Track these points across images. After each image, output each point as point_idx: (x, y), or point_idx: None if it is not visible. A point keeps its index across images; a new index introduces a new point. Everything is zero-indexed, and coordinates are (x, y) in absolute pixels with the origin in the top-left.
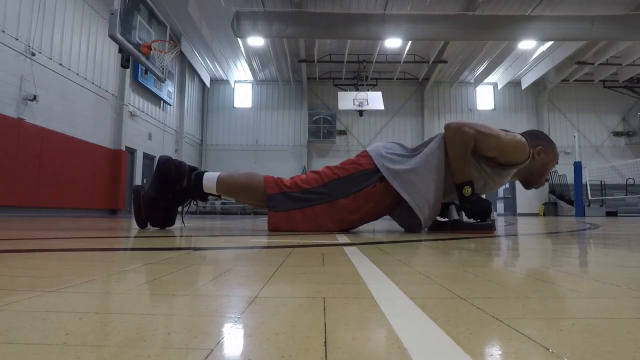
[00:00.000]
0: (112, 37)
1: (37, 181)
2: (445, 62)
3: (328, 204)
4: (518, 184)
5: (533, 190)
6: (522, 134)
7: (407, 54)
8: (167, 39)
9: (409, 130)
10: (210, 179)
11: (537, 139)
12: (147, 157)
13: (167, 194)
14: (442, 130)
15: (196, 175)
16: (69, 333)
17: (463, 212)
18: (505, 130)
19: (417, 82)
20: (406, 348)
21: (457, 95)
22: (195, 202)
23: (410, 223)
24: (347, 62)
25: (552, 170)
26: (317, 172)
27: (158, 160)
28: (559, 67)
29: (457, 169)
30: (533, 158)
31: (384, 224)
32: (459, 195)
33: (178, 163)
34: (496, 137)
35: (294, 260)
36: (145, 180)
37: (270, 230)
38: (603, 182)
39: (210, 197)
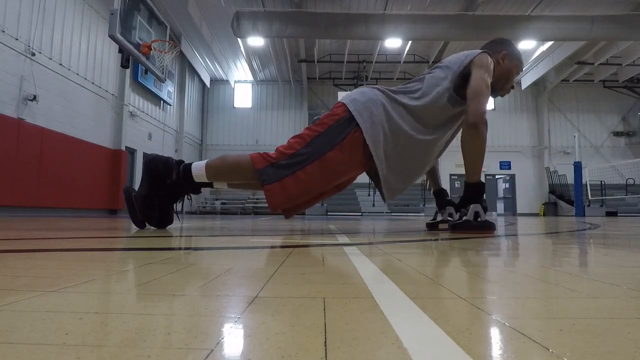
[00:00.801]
0: (112, 37)
1: (37, 181)
2: None
3: (317, 162)
4: (517, 182)
5: (533, 190)
6: (484, 48)
7: (407, 54)
8: (167, 39)
9: None
10: (198, 167)
11: (500, 45)
12: None
13: (159, 191)
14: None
15: (184, 165)
16: (69, 333)
17: (462, 212)
18: (471, 54)
19: None
20: (406, 348)
21: None
22: (189, 197)
23: (378, 183)
24: (347, 62)
25: (517, 82)
26: (298, 135)
27: (145, 159)
28: (559, 67)
29: (473, 167)
30: (497, 63)
31: (384, 224)
32: (466, 193)
33: (165, 158)
34: (487, 84)
35: (294, 260)
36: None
37: (271, 207)
38: (603, 182)
39: (203, 188)
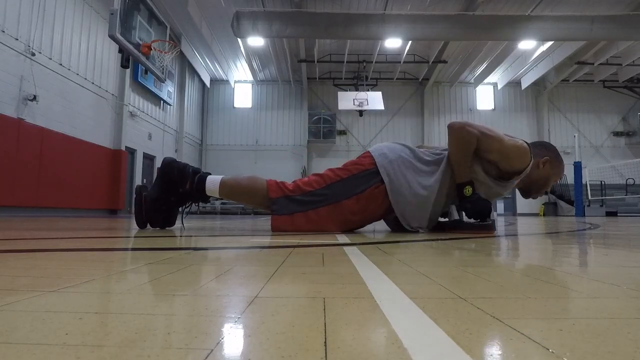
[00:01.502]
0: (112, 37)
1: (37, 181)
2: (445, 62)
3: (331, 206)
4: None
5: None
6: (531, 143)
7: (407, 54)
8: (167, 39)
9: (409, 131)
10: (213, 182)
11: (546, 149)
12: (147, 157)
13: (170, 197)
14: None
15: (199, 178)
16: (69, 333)
17: (463, 212)
18: (509, 136)
19: (417, 82)
20: (406, 348)
21: (457, 95)
22: (197, 204)
23: (396, 225)
24: (347, 62)
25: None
26: (319, 174)
27: (162, 162)
28: (559, 67)
29: (458, 168)
30: (537, 167)
31: (384, 224)
32: (460, 195)
33: (182, 165)
34: (499, 139)
35: (294, 260)
36: (144, 180)
37: (273, 229)
38: (603, 182)
39: (211, 198)
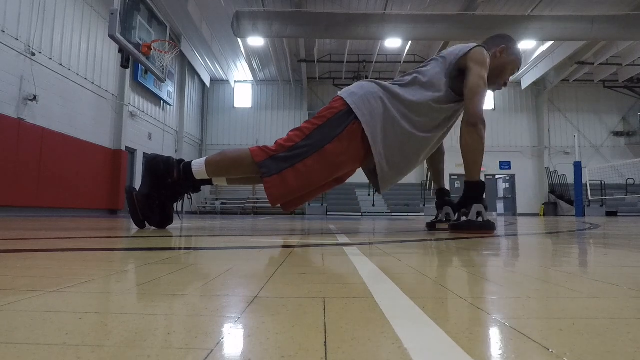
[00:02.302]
0: (112, 37)
1: (37, 181)
2: None
3: (316, 154)
4: (517, 182)
5: (533, 190)
6: (484, 42)
7: (407, 54)
8: (167, 39)
9: None
10: (198, 163)
11: (501, 39)
12: None
13: (160, 190)
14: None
15: (185, 164)
16: (69, 333)
17: (463, 213)
18: (469, 47)
19: None
20: (406, 348)
21: None
22: (189, 196)
23: (372, 176)
24: (347, 62)
25: (513, 78)
26: (297, 128)
27: (146, 158)
28: (559, 67)
29: (472, 166)
30: (494, 57)
31: (384, 224)
32: (466, 191)
33: (166, 158)
34: (484, 82)
35: (294, 260)
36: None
37: (270, 199)
38: (603, 182)
39: (203, 187)
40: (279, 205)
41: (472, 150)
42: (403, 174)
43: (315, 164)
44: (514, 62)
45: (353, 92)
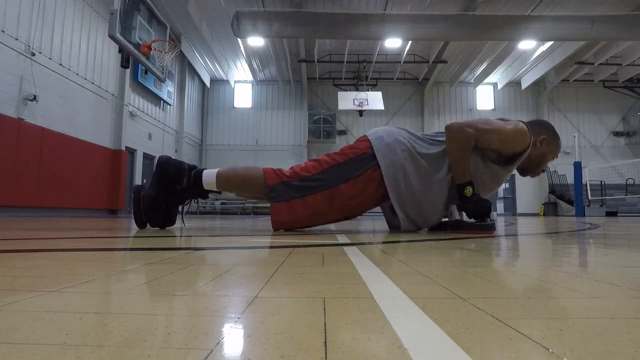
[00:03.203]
0: (112, 37)
1: (37, 181)
2: (445, 62)
3: (328, 191)
4: (517, 182)
5: (533, 190)
6: (527, 122)
7: (407, 54)
8: (167, 39)
9: None
10: (209, 175)
11: (542, 127)
12: (147, 157)
13: (168, 195)
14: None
15: (195, 172)
16: (69, 333)
17: (463, 212)
18: (504, 120)
19: (417, 82)
20: (406, 348)
21: (457, 95)
22: (196, 201)
23: (392, 220)
24: (347, 62)
25: (551, 163)
26: (316, 159)
27: (158, 160)
28: (559, 67)
29: (457, 170)
30: (534, 146)
31: (384, 224)
32: (460, 196)
33: (178, 163)
34: (497, 130)
35: (294, 260)
36: (145, 180)
37: (274, 225)
38: (603, 182)
39: (210, 194)
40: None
41: (452, 153)
42: (426, 222)
43: (325, 200)
44: (554, 152)
45: (380, 137)
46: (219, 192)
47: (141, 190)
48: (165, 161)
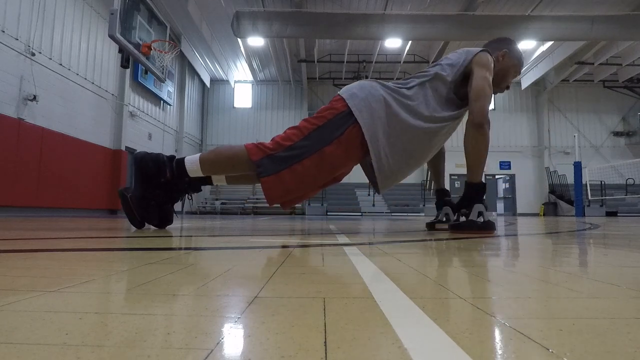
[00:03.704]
0: (112, 37)
1: (37, 181)
2: None
3: (314, 155)
4: (517, 182)
5: (533, 190)
6: (485, 46)
7: (407, 54)
8: (167, 39)
9: None
10: (192, 161)
11: (501, 42)
12: None
13: (155, 190)
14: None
15: (177, 162)
16: (69, 333)
17: (462, 212)
18: (465, 49)
19: None
20: (406, 348)
21: None
22: (189, 197)
23: (373, 178)
24: (347, 62)
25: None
26: (295, 127)
27: (134, 158)
28: (559, 67)
29: (475, 168)
30: (497, 61)
31: (384, 224)
32: (471, 194)
33: (155, 155)
34: (489, 84)
35: (294, 260)
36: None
37: (268, 200)
38: (603, 182)
39: (203, 187)
40: (277, 204)
41: (477, 152)
42: (403, 175)
43: (312, 165)
44: (516, 65)
45: (354, 94)
46: (210, 182)
47: (127, 193)
48: (142, 157)
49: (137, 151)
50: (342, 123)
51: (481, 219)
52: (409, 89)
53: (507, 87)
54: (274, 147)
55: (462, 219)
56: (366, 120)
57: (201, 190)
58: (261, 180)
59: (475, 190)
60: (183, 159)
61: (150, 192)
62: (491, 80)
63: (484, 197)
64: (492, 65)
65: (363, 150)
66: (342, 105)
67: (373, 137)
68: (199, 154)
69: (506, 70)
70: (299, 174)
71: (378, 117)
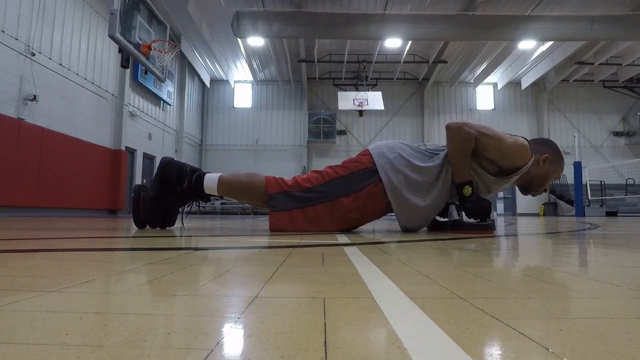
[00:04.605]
0: (112, 37)
1: (37, 181)
2: (445, 62)
3: (329, 203)
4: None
5: None
6: (531, 140)
7: (407, 54)
8: (167, 39)
9: (409, 130)
10: (211, 179)
11: (546, 146)
12: (147, 157)
13: (168, 196)
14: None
15: (197, 176)
16: (69, 333)
17: (463, 212)
18: (510, 135)
19: (417, 82)
20: (406, 348)
21: (457, 95)
22: (197, 204)
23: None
24: (347, 62)
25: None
26: (318, 171)
27: (160, 161)
28: (559, 67)
29: (457, 168)
30: (537, 164)
31: (384, 224)
32: (459, 195)
33: (180, 165)
34: (498, 139)
35: (294, 260)
36: (145, 180)
37: (272, 231)
38: (603, 182)
39: (211, 197)
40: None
41: (451, 152)
42: (427, 222)
43: (325, 211)
44: (556, 171)
45: (382, 153)
46: (221, 197)
47: (142, 190)
48: (167, 162)
49: (164, 156)
50: (365, 179)
51: (466, 219)
52: (431, 157)
53: (546, 191)
54: (292, 185)
55: (465, 219)
56: (391, 184)
57: (210, 200)
58: (270, 213)
59: (461, 189)
60: (203, 175)
61: (164, 197)
62: (472, 129)
63: (478, 195)
64: (529, 162)
65: (380, 208)
66: (368, 161)
67: (395, 196)
68: (219, 173)
69: (546, 175)
70: (309, 216)
71: (403, 181)
